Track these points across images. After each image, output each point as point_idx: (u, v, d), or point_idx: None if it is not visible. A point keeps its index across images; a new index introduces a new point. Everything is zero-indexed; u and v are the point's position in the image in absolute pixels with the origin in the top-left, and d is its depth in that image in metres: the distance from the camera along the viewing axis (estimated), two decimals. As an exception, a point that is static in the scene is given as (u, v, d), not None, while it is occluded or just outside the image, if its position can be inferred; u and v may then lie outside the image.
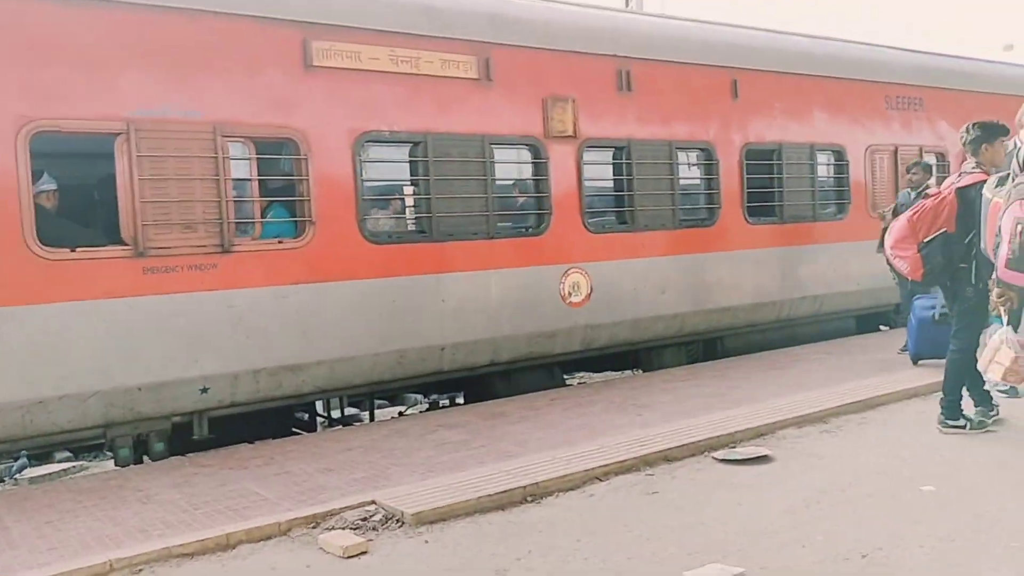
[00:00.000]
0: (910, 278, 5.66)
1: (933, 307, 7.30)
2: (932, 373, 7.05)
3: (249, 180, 6.24)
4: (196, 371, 5.92)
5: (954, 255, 5.29)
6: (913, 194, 8.07)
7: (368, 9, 6.66)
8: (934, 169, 8.99)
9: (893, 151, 10.26)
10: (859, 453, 5.24)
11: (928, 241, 5.30)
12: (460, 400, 8.15)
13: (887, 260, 5.80)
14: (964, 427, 5.53)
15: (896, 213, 7.70)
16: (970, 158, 5.46)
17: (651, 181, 8.15)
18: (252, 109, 6.14)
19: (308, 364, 6.37)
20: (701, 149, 8.62)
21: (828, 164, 9.75)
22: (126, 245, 5.68)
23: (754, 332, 9.18)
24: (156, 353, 5.77)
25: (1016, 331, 4.74)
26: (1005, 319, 4.70)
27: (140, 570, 3.92)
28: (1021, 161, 4.46)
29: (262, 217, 6.33)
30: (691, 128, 8.51)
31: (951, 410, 5.55)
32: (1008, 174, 4.77)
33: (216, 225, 5.95)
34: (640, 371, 8.73)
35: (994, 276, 4.48)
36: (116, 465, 6.03)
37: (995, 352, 4.78)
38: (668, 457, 5.20)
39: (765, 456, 5.21)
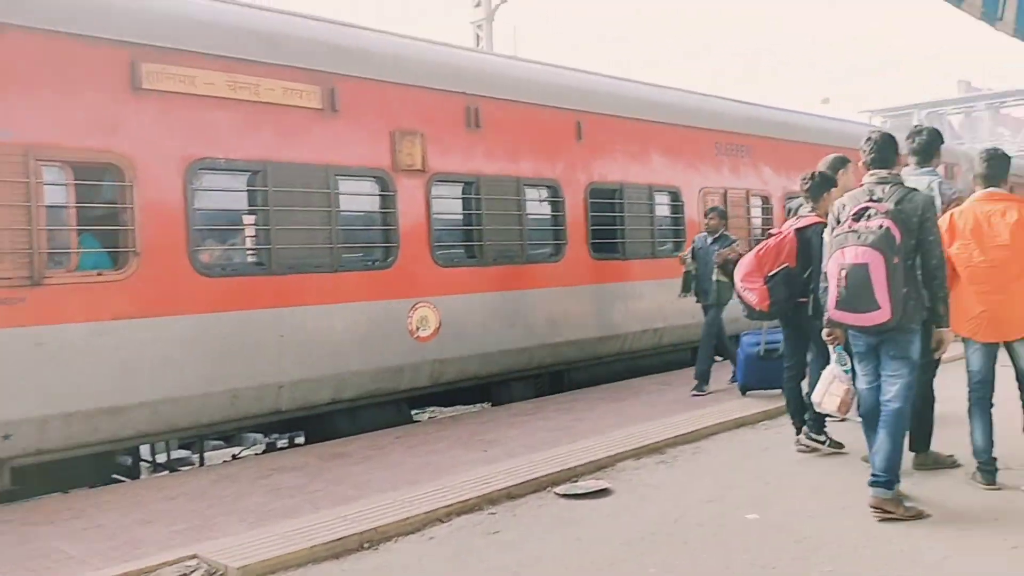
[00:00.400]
0: (758, 308, 6.01)
1: (758, 343, 7.76)
2: (758, 403, 7.49)
3: (65, 207, 5.76)
4: (-3, 416, 5.34)
5: (794, 289, 5.83)
6: (710, 239, 8.40)
7: (205, 33, 6.37)
8: (727, 215, 8.98)
9: (723, 193, 10.92)
10: (692, 483, 5.42)
11: (772, 275, 5.83)
12: (301, 440, 7.81)
13: (737, 293, 6.16)
14: (824, 443, 5.92)
15: (694, 256, 8.50)
16: (807, 203, 5.99)
17: (500, 216, 8.24)
18: (71, 132, 5.69)
19: (129, 406, 5.90)
20: (548, 187, 8.82)
21: (666, 204, 10.22)
22: (-86, 276, 5.08)
23: (599, 365, 9.41)
24: (-52, 397, 5.16)
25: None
26: (834, 356, 5.05)
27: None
28: (837, 214, 4.83)
29: (76, 246, 5.83)
30: (538, 166, 8.69)
31: (816, 425, 5.96)
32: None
33: (25, 256, 5.43)
34: (489, 405, 8.72)
35: (826, 316, 4.83)
36: None
37: (829, 384, 5.09)
38: (511, 494, 5.16)
39: (605, 489, 5.28)
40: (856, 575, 3.85)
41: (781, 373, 7.67)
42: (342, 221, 7.13)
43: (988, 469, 4.98)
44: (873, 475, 4.59)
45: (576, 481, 5.44)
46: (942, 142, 5.57)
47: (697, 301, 8.62)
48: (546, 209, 8.91)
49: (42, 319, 5.49)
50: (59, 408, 5.56)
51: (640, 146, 9.86)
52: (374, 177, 7.37)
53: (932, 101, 44.80)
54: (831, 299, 4.67)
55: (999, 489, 4.94)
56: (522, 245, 8.44)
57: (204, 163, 6.30)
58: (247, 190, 6.70)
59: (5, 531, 4.85)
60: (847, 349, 4.99)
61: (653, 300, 9.77)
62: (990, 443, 5.00)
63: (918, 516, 4.50)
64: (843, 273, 4.52)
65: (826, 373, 5.12)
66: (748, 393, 7.94)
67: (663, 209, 10.20)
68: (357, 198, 7.42)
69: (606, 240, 9.35)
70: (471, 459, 6.03)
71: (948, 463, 5.34)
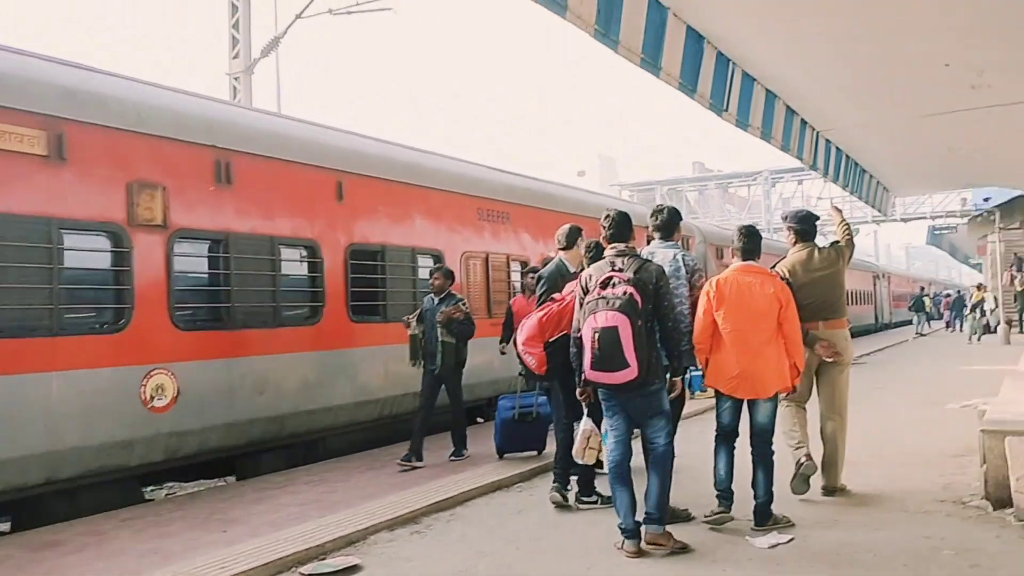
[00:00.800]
0: (537, 372, 6.21)
1: (513, 407, 7.98)
2: (515, 465, 7.65)
3: None
4: None
5: (568, 354, 5.68)
6: (436, 299, 8.12)
7: None
8: (455, 275, 8.83)
9: (485, 257, 11.27)
10: (444, 553, 5.35)
11: (552, 341, 6.02)
12: (5, 528, 6.79)
13: (517, 355, 6.30)
14: (596, 502, 6.21)
15: (421, 319, 8.09)
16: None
17: (251, 276, 7.85)
18: None
19: None
20: (306, 247, 8.57)
21: (429, 267, 10.31)
22: None
23: (357, 431, 9.18)
24: None
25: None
26: (586, 410, 5.54)
27: None
28: (585, 284, 5.24)
29: None
30: (295, 225, 8.44)
31: (585, 488, 6.27)
32: None
33: None
34: (234, 479, 8.15)
35: (582, 377, 5.19)
36: None
37: (587, 439, 5.52)
38: (251, 579, 4.81)
39: (355, 566, 5.07)
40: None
41: (536, 435, 7.97)
42: (66, 279, 6.42)
43: (726, 496, 5.56)
44: (647, 513, 5.05)
45: (324, 558, 5.19)
46: (680, 219, 6.19)
47: (424, 368, 8.11)
48: (303, 269, 8.64)
49: None
50: None
51: (403, 209, 9.93)
52: (106, 232, 6.74)
53: (672, 179, 50.31)
54: (587, 361, 5.02)
55: (731, 519, 5.49)
56: (275, 307, 8.09)
57: None
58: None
59: None
60: (596, 408, 5.39)
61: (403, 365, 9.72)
62: (730, 476, 5.60)
63: (684, 548, 5.03)
64: (596, 336, 4.91)
65: (582, 429, 5.50)
66: (505, 456, 8.08)
67: (425, 272, 10.29)
68: (85, 254, 6.72)
69: (367, 302, 9.24)
70: (208, 541, 5.55)
71: (683, 516, 5.70)
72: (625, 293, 4.92)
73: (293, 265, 8.57)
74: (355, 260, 9.09)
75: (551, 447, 7.92)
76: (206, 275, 7.68)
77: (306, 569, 5.00)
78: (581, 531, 5.70)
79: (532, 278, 8.32)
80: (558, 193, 13.96)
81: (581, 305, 5.21)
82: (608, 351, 4.87)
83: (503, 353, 9.18)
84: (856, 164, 11.37)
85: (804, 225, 6.40)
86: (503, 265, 11.70)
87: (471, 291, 10.92)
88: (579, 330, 5.18)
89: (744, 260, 5.76)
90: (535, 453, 8.01)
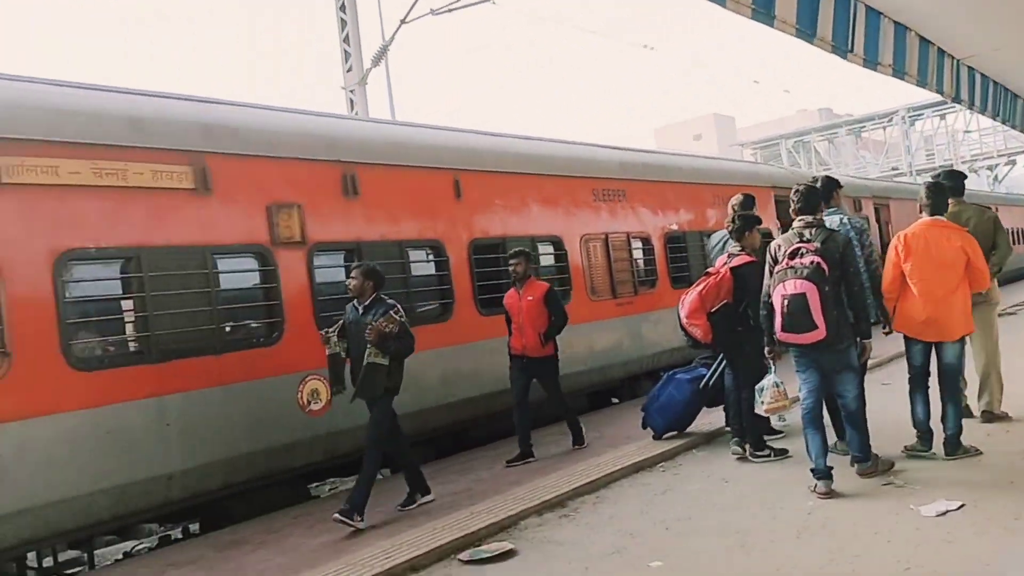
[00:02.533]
0: (703, 341, 6.90)
1: (691, 378, 7.88)
2: (653, 446, 7.73)
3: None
4: None
5: (733, 321, 6.76)
6: (360, 307, 6.42)
7: (64, 121, 6.21)
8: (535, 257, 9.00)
9: (604, 238, 11.32)
10: (594, 535, 5.55)
11: (714, 311, 6.75)
12: (196, 528, 7.52)
13: (682, 328, 6.95)
14: (768, 455, 6.79)
15: (343, 332, 6.48)
16: (735, 242, 6.99)
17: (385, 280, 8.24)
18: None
19: (7, 515, 5.58)
20: (431, 247, 8.93)
21: (549, 253, 10.50)
22: None
23: (495, 421, 9.49)
24: None
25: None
26: (775, 368, 6.18)
27: None
28: (774, 254, 5.80)
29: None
30: (419, 227, 8.81)
31: (758, 443, 6.86)
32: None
33: None
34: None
35: (773, 338, 5.84)
36: None
37: (770, 393, 6.13)
38: (415, 566, 5.16)
39: (510, 551, 5.34)
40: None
41: (695, 411, 8.06)
42: (223, 300, 7.01)
43: (926, 437, 6.29)
44: (853, 456, 5.94)
45: (479, 545, 5.49)
46: (837, 184, 6.98)
47: (355, 396, 6.40)
48: (431, 269, 9.00)
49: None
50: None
51: (519, 199, 10.13)
52: (253, 253, 7.30)
53: (797, 131, 47.79)
54: (777, 324, 5.68)
55: (933, 457, 6.19)
56: (409, 308, 8.47)
57: (74, 254, 6.10)
58: (121, 277, 6.51)
59: None
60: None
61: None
62: (928, 415, 6.30)
63: (891, 466, 5.97)
64: (785, 302, 5.53)
65: (767, 386, 6.16)
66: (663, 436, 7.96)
67: (547, 259, 10.48)
68: (237, 275, 7.31)
69: (494, 295, 9.50)
70: (372, 533, 5.97)
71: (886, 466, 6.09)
72: (812, 263, 5.46)
73: (421, 266, 8.94)
74: (478, 255, 9.37)
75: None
76: (343, 283, 8.14)
77: (464, 555, 5.32)
78: (733, 509, 5.75)
79: (517, 264, 7.91)
80: (674, 163, 13.79)
81: (771, 273, 5.75)
82: (797, 315, 5.46)
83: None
84: (1006, 90, 10.61)
85: (954, 182, 7.06)
86: (623, 244, 11.71)
87: (593, 273, 11.02)
88: (769, 295, 5.77)
89: (932, 215, 6.28)
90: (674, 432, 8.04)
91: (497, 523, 5.78)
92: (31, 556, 6.75)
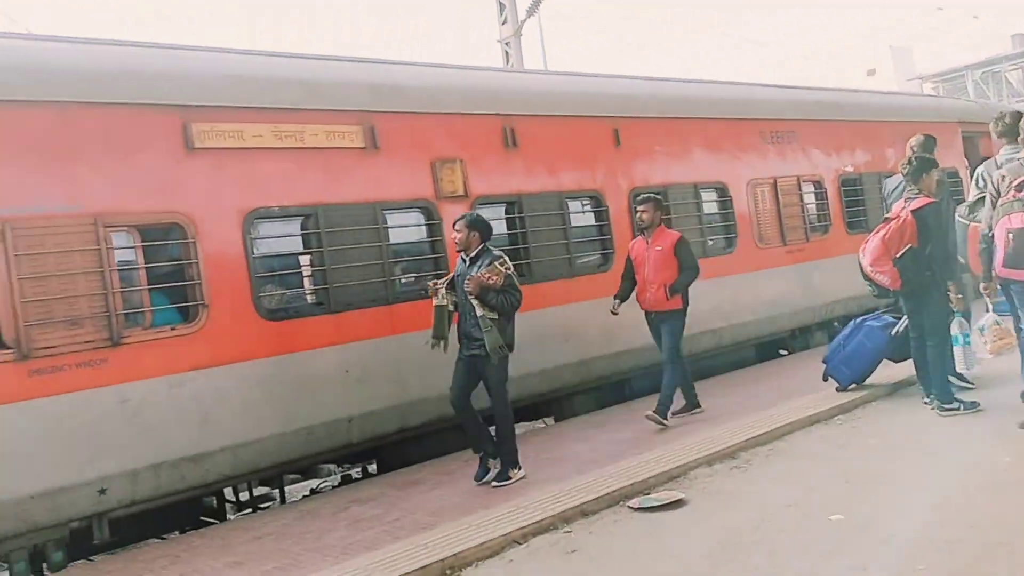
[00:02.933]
0: (891, 288, 6.62)
1: (890, 324, 7.46)
2: (829, 398, 7.39)
3: (136, 268, 6.04)
4: (92, 472, 5.62)
5: (920, 264, 6.42)
6: (467, 259, 6.21)
7: (248, 88, 6.62)
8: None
9: (772, 183, 10.78)
10: (769, 487, 5.40)
11: (900, 256, 6.44)
12: (374, 468, 7.99)
13: (865, 276, 6.70)
14: (958, 408, 6.41)
15: (452, 286, 6.21)
16: (911, 185, 6.62)
17: (544, 232, 8.31)
18: (135, 197, 5.98)
19: (211, 452, 6.15)
20: (590, 197, 8.86)
21: (713, 201, 10.15)
22: (8, 348, 5.40)
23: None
24: (47, 458, 5.45)
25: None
26: (991, 307, 6.06)
27: None
28: (997, 186, 5.56)
29: (149, 305, 6.11)
30: (578, 177, 8.74)
31: (946, 395, 6.51)
32: (978, 199, 6.35)
33: (103, 318, 5.72)
34: (552, 420, 8.78)
35: (992, 273, 5.65)
36: (11, 581, 5.64)
37: (995, 333, 6.12)
38: (585, 511, 5.23)
39: (679, 500, 5.30)
40: (955, 573, 3.80)
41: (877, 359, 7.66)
42: (392, 255, 7.29)
43: None
44: None
45: (649, 493, 5.48)
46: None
47: (460, 351, 6.25)
48: (591, 220, 8.94)
49: (124, 377, 5.77)
50: (147, 460, 5.83)
51: (681, 145, 9.82)
52: (419, 208, 7.53)
53: (985, 60, 43.11)
54: (998, 259, 5.45)
55: None
56: (570, 259, 8.49)
57: (259, 212, 6.53)
58: (301, 234, 6.92)
59: (108, 583, 5.11)
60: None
61: (708, 300, 9.69)
62: None
63: None
64: (1010, 236, 5.24)
65: (987, 325, 6.20)
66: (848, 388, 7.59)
67: (711, 206, 10.13)
68: (405, 230, 7.58)
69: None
70: (541, 478, 6.10)
71: None
72: None
73: (580, 217, 8.90)
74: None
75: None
76: (505, 236, 8.27)
77: (633, 503, 5.33)
78: (916, 465, 5.42)
79: (644, 210, 7.37)
80: (849, 100, 12.87)
81: (994, 205, 5.52)
82: (1022, 251, 5.20)
83: (615, 313, 7.55)
84: None
85: None
86: (793, 188, 11.12)
87: (760, 220, 10.56)
88: (990, 228, 5.54)
89: None
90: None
91: (666, 472, 5.74)
92: (228, 491, 7.45)
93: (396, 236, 7.45)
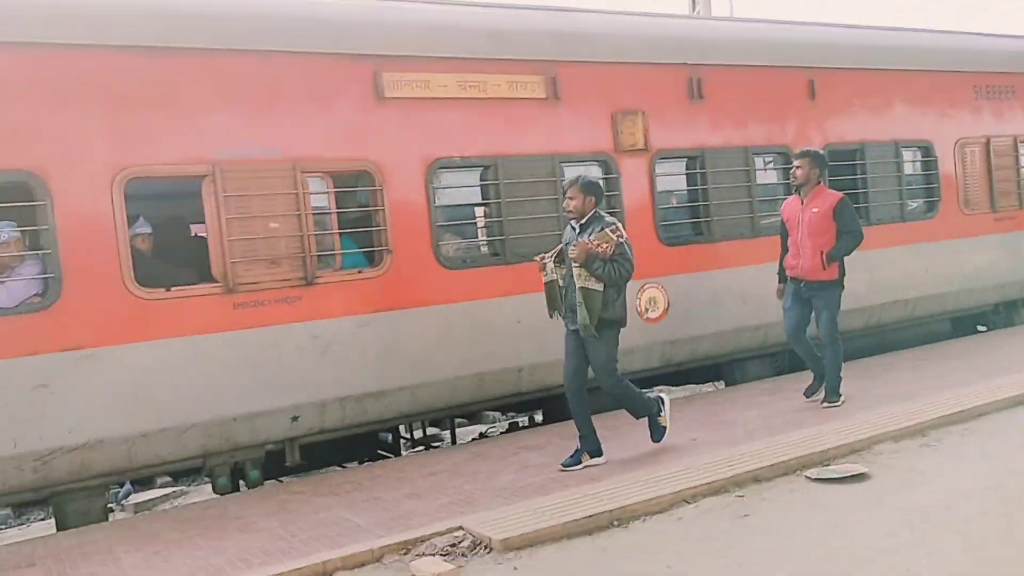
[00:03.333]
0: None
1: None
2: (1038, 378, 6.71)
3: (328, 213, 6.40)
4: (286, 401, 6.09)
5: None
6: (577, 227, 5.72)
7: (435, 38, 6.75)
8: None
9: (985, 142, 9.78)
10: (963, 468, 4.99)
11: None
12: (539, 418, 8.13)
13: None
14: None
15: (562, 258, 5.68)
16: None
17: (727, 190, 7.99)
18: (328, 144, 6.30)
19: (391, 390, 6.48)
20: (779, 153, 8.40)
21: (914, 161, 9.36)
22: (216, 282, 5.91)
23: (845, 340, 8.85)
24: (249, 385, 5.96)
25: None
26: None
27: (239, 602, 4.04)
28: None
29: (339, 248, 6.45)
30: (767, 132, 8.31)
31: None
32: None
33: (299, 259, 6.12)
34: (722, 384, 8.55)
35: None
36: (215, 492, 6.25)
37: None
38: (757, 478, 5.06)
39: (862, 474, 5.02)
40: None
41: None
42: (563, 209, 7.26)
43: None
44: None
45: (828, 464, 5.22)
46: None
47: (569, 327, 5.78)
48: (777, 178, 8.50)
49: (316, 315, 6.17)
50: (335, 393, 6.23)
51: (883, 98, 9.08)
52: (597, 161, 7.44)
53: None
54: None
55: None
56: (753, 219, 8.13)
57: (442, 162, 6.70)
58: (480, 184, 7.04)
59: (300, 501, 5.54)
60: None
61: (902, 269, 9.01)
62: None
63: None
64: None
65: None
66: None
67: (912, 166, 9.35)
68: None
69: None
70: (709, 439, 5.97)
71: None
72: None
73: (767, 174, 8.48)
74: (833, 162, 8.62)
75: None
76: (685, 192, 8.03)
77: (812, 473, 5.10)
78: None
79: (799, 166, 6.67)
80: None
81: None
82: None
83: (780, 298, 7.01)
84: None
85: None
86: (1008, 150, 10.03)
87: (968, 183, 9.63)
88: None
89: None
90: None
91: (848, 444, 5.44)
92: (402, 429, 7.85)
93: (621, 186, 7.39)
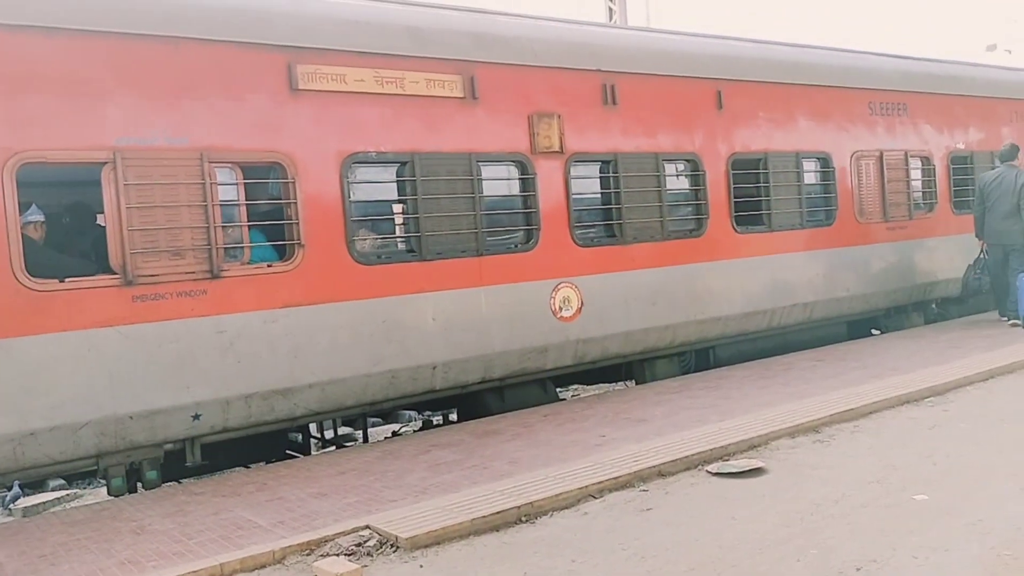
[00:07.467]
0: None
1: None
2: (920, 379, 7.12)
3: (237, 205, 6.24)
4: (187, 398, 5.90)
5: None
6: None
7: (352, 32, 6.68)
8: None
9: (878, 156, 10.33)
10: (852, 463, 5.26)
11: None
12: (453, 417, 8.14)
13: None
14: None
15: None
16: None
17: (638, 194, 8.18)
18: (239, 134, 6.15)
19: (300, 387, 6.36)
20: (687, 160, 8.66)
21: (814, 171, 9.80)
22: (115, 274, 5.68)
23: (745, 341, 9.21)
24: (147, 381, 5.75)
25: None
26: None
27: (134, 604, 3.90)
28: None
29: (248, 241, 6.30)
30: (677, 140, 8.55)
31: None
32: None
33: (205, 251, 5.94)
34: (632, 383, 8.74)
35: None
36: (109, 494, 6.00)
37: None
38: (662, 472, 5.21)
39: (759, 468, 5.23)
40: (1038, 561, 3.65)
41: None
42: (485, 206, 7.32)
43: None
44: None
45: (728, 459, 5.41)
46: None
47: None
48: (686, 183, 8.76)
49: (221, 309, 6.01)
50: (239, 390, 6.08)
51: (785, 111, 9.48)
52: (514, 161, 7.50)
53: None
54: None
55: None
56: (662, 222, 8.35)
57: (357, 157, 6.62)
58: (396, 180, 7.00)
59: (200, 502, 5.38)
60: None
61: (802, 274, 9.43)
62: None
63: None
64: None
65: None
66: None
67: (811, 176, 9.79)
68: (498, 183, 7.59)
69: (751, 212, 9.09)
70: (619, 437, 6.10)
71: None
72: None
73: (676, 180, 8.73)
74: (736, 170, 8.96)
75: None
76: (598, 195, 8.18)
77: (712, 468, 5.28)
78: (1008, 451, 5.18)
79: None
80: (965, 74, 12.15)
81: None
82: None
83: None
84: None
85: None
86: (900, 163, 10.63)
87: (862, 194, 10.16)
88: None
89: None
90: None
91: (747, 440, 5.66)
92: (313, 427, 7.72)
93: (489, 188, 7.45)
